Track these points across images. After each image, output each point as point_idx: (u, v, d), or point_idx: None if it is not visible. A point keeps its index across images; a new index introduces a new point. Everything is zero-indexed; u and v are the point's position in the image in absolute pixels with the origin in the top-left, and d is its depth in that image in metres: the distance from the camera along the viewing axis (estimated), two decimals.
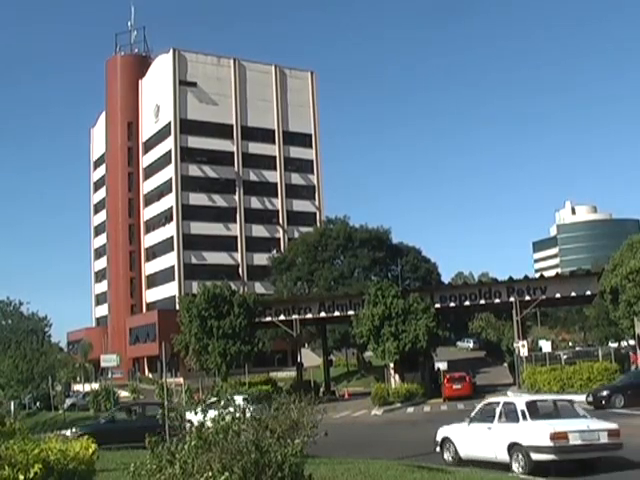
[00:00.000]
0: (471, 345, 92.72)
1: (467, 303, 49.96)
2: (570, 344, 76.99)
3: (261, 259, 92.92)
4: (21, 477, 8.06)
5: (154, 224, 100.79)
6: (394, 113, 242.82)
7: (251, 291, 75.91)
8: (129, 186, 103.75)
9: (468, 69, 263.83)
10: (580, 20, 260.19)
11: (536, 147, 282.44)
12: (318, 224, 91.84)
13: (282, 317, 52.44)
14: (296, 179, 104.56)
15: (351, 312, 50.34)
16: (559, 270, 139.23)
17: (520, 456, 15.67)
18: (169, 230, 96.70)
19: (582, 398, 33.15)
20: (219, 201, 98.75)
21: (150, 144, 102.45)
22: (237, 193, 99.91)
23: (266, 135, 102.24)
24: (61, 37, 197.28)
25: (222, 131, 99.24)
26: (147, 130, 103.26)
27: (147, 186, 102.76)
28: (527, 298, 47.89)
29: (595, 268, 55.24)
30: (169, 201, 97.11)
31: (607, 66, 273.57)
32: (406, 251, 79.66)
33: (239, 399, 37.33)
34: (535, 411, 16.52)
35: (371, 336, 47.20)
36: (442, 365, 50.59)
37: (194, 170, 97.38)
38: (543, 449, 15.28)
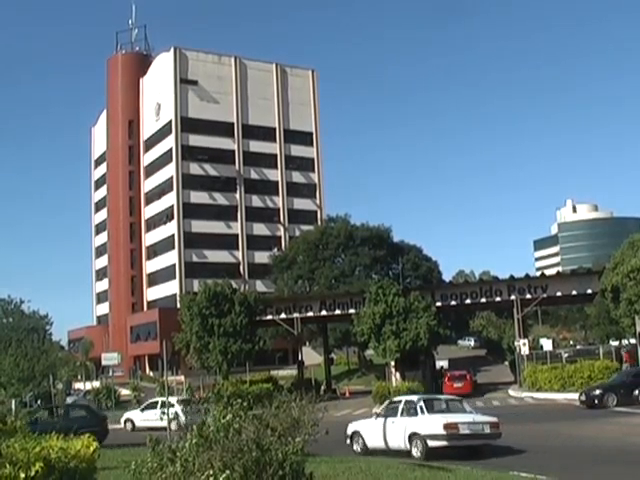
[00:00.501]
0: (472, 343, 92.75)
1: (468, 301, 49.97)
2: (571, 342, 76.99)
3: (262, 257, 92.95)
4: (22, 475, 8.06)
5: (155, 222, 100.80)
6: (394, 112, 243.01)
7: (252, 289, 75.85)
8: (130, 184, 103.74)
9: (468, 69, 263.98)
10: (580, 20, 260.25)
11: (536, 146, 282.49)
12: (319, 222, 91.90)
13: (283, 315, 52.45)
14: (297, 177, 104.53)
15: (352, 310, 50.34)
16: (560, 268, 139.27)
17: (418, 443, 18.53)
18: (170, 228, 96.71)
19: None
20: (220, 199, 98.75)
21: (151, 142, 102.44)
22: (238, 191, 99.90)
23: (267, 133, 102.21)
24: (62, 36, 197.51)
25: (223, 129, 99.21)
26: (148, 128, 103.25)
27: (148, 184, 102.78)
28: (528, 296, 47.87)
29: (596, 266, 55.24)
30: (170, 199, 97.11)
31: (607, 66, 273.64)
32: (407, 249, 79.64)
33: (174, 401, 38.53)
34: (431, 407, 19.57)
35: (372, 334, 47.19)
36: (444, 363, 50.63)
37: (195, 168, 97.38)
38: (437, 437, 18.24)
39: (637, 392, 31.37)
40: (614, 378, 35.06)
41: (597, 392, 31.99)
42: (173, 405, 37.36)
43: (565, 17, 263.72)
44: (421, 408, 18.99)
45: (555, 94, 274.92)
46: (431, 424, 18.31)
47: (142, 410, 38.62)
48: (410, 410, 19.29)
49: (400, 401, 20.26)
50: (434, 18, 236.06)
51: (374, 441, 20.07)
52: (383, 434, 19.70)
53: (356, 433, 20.81)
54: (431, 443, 18.20)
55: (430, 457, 17.78)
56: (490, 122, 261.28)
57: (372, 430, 20.21)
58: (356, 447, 20.57)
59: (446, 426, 18.02)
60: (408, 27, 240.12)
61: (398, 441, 19.11)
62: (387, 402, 21.91)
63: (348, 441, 20.87)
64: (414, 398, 20.37)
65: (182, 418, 40.93)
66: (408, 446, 18.64)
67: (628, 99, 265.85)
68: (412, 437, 18.57)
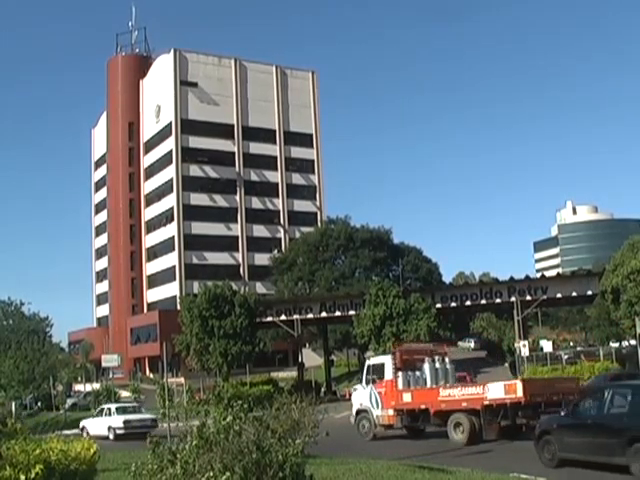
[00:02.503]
0: (472, 345, 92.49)
1: (468, 303, 49.99)
2: (571, 344, 76.93)
3: (262, 259, 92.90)
4: (22, 477, 8.06)
5: (155, 224, 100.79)
6: (394, 114, 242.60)
7: (252, 291, 75.86)
8: (130, 186, 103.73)
9: (468, 71, 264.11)
10: (580, 20, 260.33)
11: (536, 148, 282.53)
12: (319, 224, 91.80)
13: (283, 317, 52.47)
14: (297, 179, 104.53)
15: (352, 312, 50.35)
16: (560, 270, 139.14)
17: (111, 430, 32.93)
18: (170, 230, 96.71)
19: None
20: (220, 201, 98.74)
21: (151, 144, 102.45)
22: (238, 193, 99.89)
23: (267, 135, 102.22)
24: (62, 37, 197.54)
25: (223, 131, 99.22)
26: (148, 130, 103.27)
27: (148, 186, 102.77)
28: (528, 298, 47.88)
29: (596, 268, 55.24)
30: (170, 201, 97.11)
31: (607, 67, 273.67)
32: (407, 251, 79.59)
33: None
34: (122, 410, 34.63)
35: (372, 336, 47.20)
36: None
37: (195, 170, 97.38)
38: (120, 427, 32.75)
39: None
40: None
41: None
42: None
43: (565, 17, 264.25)
44: (112, 411, 34.10)
45: (555, 95, 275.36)
46: (117, 420, 33.14)
47: None
48: (108, 413, 34.31)
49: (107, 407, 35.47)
50: (434, 20, 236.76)
51: (95, 431, 33.27)
52: (97, 427, 33.94)
53: (84, 428, 35.03)
54: (118, 431, 32.42)
55: (118, 439, 31.33)
56: (490, 124, 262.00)
57: (94, 424, 34.63)
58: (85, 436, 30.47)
59: (125, 421, 32.75)
60: (408, 29, 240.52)
61: (103, 430, 33.16)
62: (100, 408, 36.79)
63: (80, 431, 34.44)
64: (111, 406, 35.33)
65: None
66: (107, 432, 32.85)
67: (628, 100, 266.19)
68: (109, 428, 32.98)
